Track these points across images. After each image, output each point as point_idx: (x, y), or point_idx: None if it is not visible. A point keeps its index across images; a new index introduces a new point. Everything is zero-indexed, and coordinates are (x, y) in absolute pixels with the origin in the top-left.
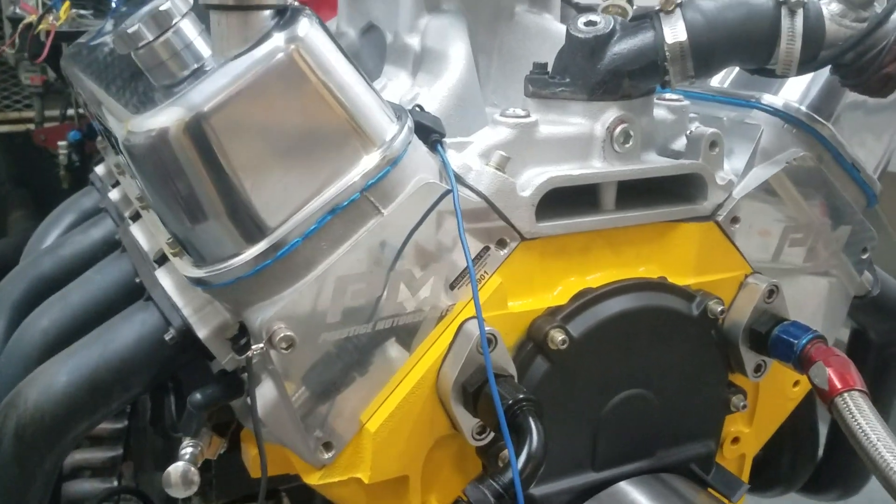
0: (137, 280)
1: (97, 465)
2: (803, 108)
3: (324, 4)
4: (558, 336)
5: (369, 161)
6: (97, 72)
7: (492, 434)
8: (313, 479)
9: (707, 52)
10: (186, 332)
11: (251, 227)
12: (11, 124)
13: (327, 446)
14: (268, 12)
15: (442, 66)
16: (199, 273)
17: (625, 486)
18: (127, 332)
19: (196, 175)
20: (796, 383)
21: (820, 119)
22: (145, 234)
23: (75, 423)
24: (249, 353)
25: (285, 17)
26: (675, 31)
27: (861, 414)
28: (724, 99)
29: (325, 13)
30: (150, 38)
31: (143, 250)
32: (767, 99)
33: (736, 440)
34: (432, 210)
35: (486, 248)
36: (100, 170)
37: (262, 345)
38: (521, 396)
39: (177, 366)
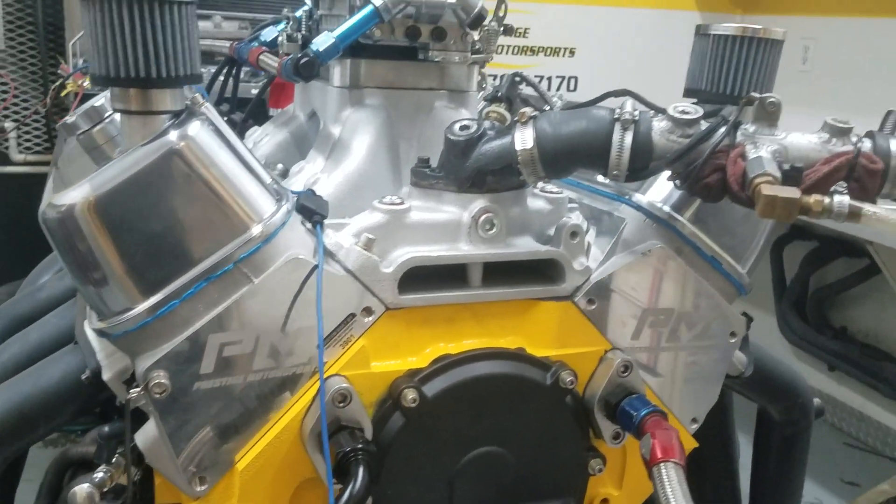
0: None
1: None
2: (665, 208)
3: (286, 94)
4: (410, 395)
5: (245, 237)
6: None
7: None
8: None
9: (552, 158)
10: (99, 374)
11: (138, 289)
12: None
13: (202, 480)
14: (166, 115)
15: (344, 155)
16: (99, 325)
17: None
18: (54, 370)
19: (92, 245)
20: None
21: (679, 217)
22: None
23: (4, 445)
24: (128, 397)
25: (181, 118)
26: (524, 139)
27: (669, 483)
28: (603, 192)
29: (286, 101)
30: (86, 127)
31: (81, 307)
32: (636, 197)
33: (605, 501)
34: (305, 282)
35: (353, 315)
36: None
37: (139, 389)
38: (351, 448)
39: (95, 402)
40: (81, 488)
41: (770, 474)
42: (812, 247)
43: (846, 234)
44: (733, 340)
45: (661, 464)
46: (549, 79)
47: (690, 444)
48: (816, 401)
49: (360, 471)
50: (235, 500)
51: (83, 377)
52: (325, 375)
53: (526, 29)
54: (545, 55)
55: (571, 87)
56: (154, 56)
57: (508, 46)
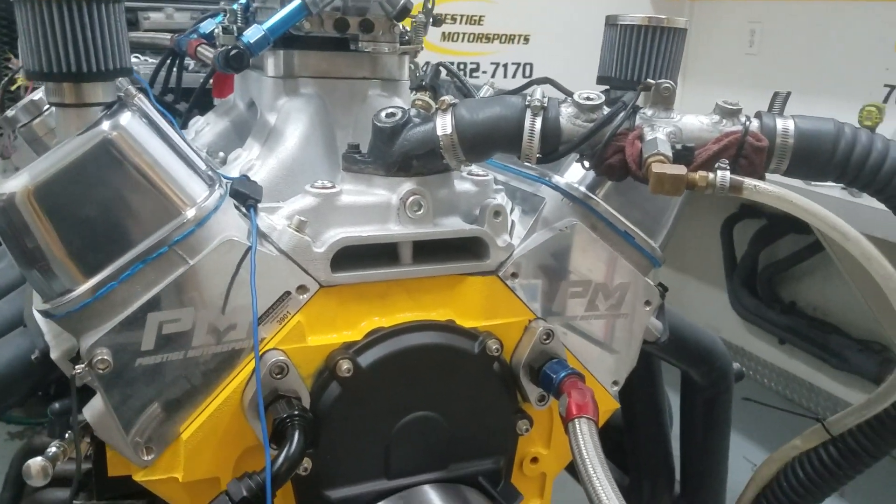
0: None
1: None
2: (580, 188)
3: (229, 84)
4: (345, 365)
5: (179, 221)
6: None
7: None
8: (138, 476)
9: (471, 142)
10: (47, 354)
11: (78, 272)
12: None
13: (148, 450)
14: (98, 107)
15: (278, 142)
16: (44, 307)
17: (415, 489)
18: (5, 351)
19: (32, 231)
20: None
21: (593, 196)
22: None
23: None
24: (73, 373)
25: (113, 109)
26: (444, 125)
27: (582, 436)
28: (525, 174)
29: (229, 90)
30: (25, 120)
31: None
32: (555, 178)
33: (535, 460)
34: (241, 263)
35: (288, 293)
36: None
37: (83, 365)
38: (287, 414)
39: (45, 381)
40: (35, 461)
41: (696, 436)
42: (761, 225)
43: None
44: (648, 308)
45: (576, 419)
46: (505, 66)
47: (612, 405)
48: (736, 365)
49: (296, 434)
50: (181, 468)
51: (33, 357)
52: (263, 350)
53: (481, 17)
54: (500, 42)
55: (527, 73)
56: (84, 51)
57: (464, 34)
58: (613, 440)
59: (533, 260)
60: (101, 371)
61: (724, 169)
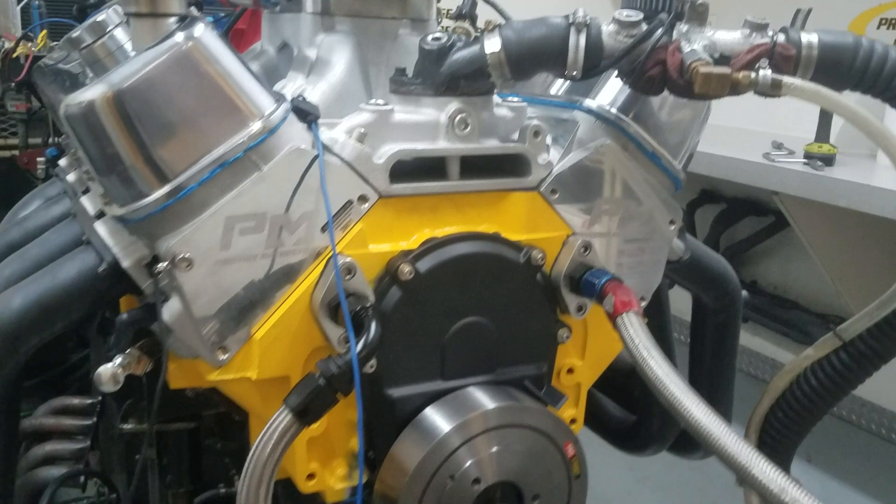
0: (84, 238)
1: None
2: (612, 110)
3: (253, 30)
4: (406, 268)
5: (252, 129)
6: (56, 81)
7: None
8: (212, 377)
9: (517, 60)
10: (115, 265)
11: (158, 175)
12: None
13: (223, 350)
14: (173, 19)
15: (326, 69)
16: (121, 212)
17: (468, 389)
18: (69, 267)
19: (114, 135)
20: None
21: (624, 118)
22: (91, 202)
23: (27, 336)
24: (157, 269)
25: (186, 22)
26: (493, 45)
27: (632, 326)
28: (556, 102)
29: (253, 37)
30: (89, 41)
31: (87, 213)
32: (586, 102)
33: (571, 371)
34: (307, 171)
35: (350, 202)
36: (62, 162)
37: (167, 263)
38: (361, 306)
39: (110, 297)
40: (105, 368)
41: (706, 361)
42: (721, 209)
43: (753, 194)
44: (672, 227)
45: (623, 314)
46: None
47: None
48: (744, 293)
49: (373, 323)
50: (254, 367)
51: (100, 270)
52: (328, 256)
53: None
54: None
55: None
56: None
57: None
58: (618, 383)
59: (570, 178)
60: (183, 270)
61: (765, 69)
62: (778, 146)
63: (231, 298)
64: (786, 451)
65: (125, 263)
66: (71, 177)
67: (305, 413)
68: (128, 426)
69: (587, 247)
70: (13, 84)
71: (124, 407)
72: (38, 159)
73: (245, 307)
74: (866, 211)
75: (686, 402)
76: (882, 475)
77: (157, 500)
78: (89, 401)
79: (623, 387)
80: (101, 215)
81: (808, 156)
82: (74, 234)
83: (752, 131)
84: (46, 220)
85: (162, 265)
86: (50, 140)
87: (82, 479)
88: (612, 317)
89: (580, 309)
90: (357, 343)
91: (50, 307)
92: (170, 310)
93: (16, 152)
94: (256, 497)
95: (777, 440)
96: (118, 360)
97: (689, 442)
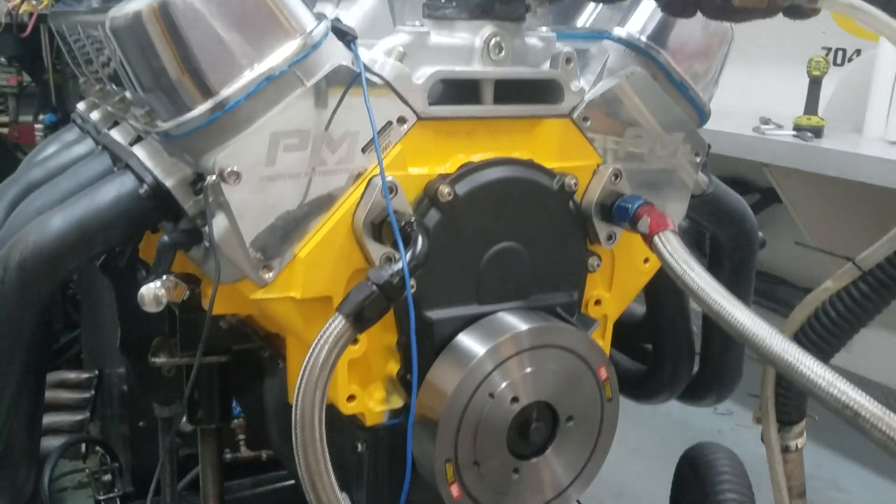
0: (115, 169)
1: (65, 428)
2: (642, 38)
3: None
4: (445, 190)
5: (295, 44)
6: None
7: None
8: (257, 295)
9: None
10: (156, 187)
11: (203, 89)
12: None
13: (268, 268)
14: None
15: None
16: (166, 126)
17: (503, 312)
18: (108, 190)
19: (160, 47)
20: (646, 260)
21: (654, 46)
22: (122, 133)
23: (66, 260)
24: (206, 182)
25: None
26: None
27: (669, 244)
28: (584, 34)
29: None
30: None
31: (120, 143)
32: (616, 31)
33: (598, 302)
34: (347, 89)
35: (390, 123)
36: (81, 106)
37: (214, 177)
38: (406, 221)
39: (149, 221)
40: (148, 288)
41: None
42: None
43: (739, 173)
44: (698, 160)
45: (659, 233)
46: None
47: None
48: (760, 234)
49: (420, 236)
50: (299, 286)
51: (141, 192)
52: (370, 175)
53: None
54: None
55: None
56: None
57: None
58: (628, 336)
59: (601, 106)
60: (231, 184)
61: None
62: (766, 121)
63: (276, 217)
64: None
65: (169, 183)
66: (94, 115)
67: (359, 318)
68: (159, 360)
69: (617, 175)
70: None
71: (154, 342)
72: (37, 126)
73: (289, 226)
74: (856, 178)
75: (731, 308)
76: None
77: (167, 462)
78: (86, 375)
79: (633, 338)
80: (137, 141)
81: (798, 128)
82: (105, 166)
83: (737, 107)
84: (69, 160)
85: (211, 178)
86: (39, 117)
87: (83, 449)
88: (649, 237)
89: (610, 238)
90: (408, 253)
91: (89, 230)
92: (216, 227)
93: (4, 130)
94: (312, 404)
95: None
96: (159, 282)
97: (699, 389)
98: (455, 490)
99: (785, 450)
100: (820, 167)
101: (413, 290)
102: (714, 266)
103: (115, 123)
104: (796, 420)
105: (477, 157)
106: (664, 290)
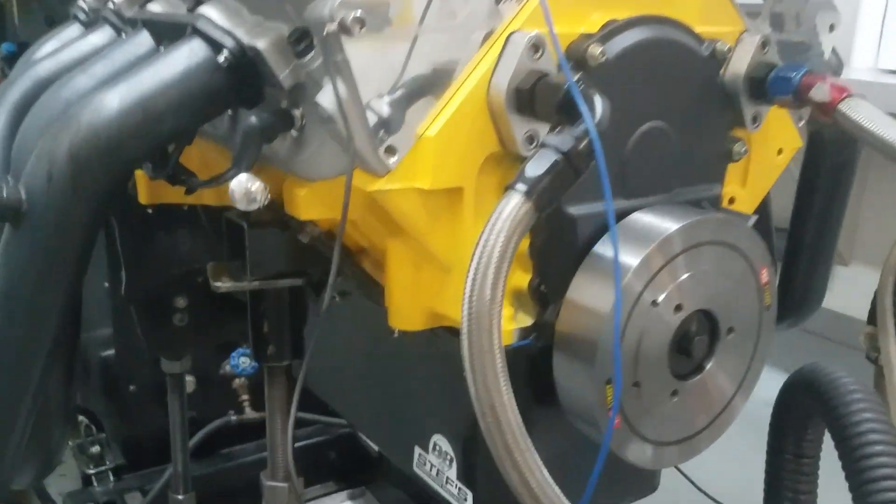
0: (161, 48)
1: None
2: None
3: None
4: (597, 51)
5: None
6: None
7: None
8: (377, 186)
9: None
10: (240, 53)
11: None
12: None
13: (391, 150)
14: None
15: None
16: None
17: (656, 206)
18: (174, 62)
19: None
20: (780, 151)
21: None
22: (165, 5)
23: (129, 147)
24: (326, 30)
25: None
26: None
27: (860, 110)
28: None
29: None
30: None
31: (170, 13)
32: None
33: (732, 200)
34: None
35: None
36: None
37: (334, 25)
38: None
39: (226, 99)
40: (238, 181)
41: (815, 205)
42: None
43: None
44: (831, 33)
45: (845, 99)
46: None
47: (799, 142)
48: None
49: (597, 95)
50: (428, 174)
51: (220, 60)
52: (506, 32)
53: None
54: None
55: None
56: None
57: None
58: None
59: None
60: (356, 31)
61: None
62: None
63: (401, 83)
64: None
65: (261, 45)
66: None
67: (542, 196)
68: (224, 284)
69: (766, 43)
70: None
71: (210, 267)
72: None
73: (413, 94)
74: None
75: None
76: None
77: (179, 425)
78: None
79: None
80: (196, 6)
81: None
82: (147, 46)
83: None
84: (86, 51)
85: (330, 26)
86: None
87: None
88: (831, 106)
89: (755, 120)
90: (593, 113)
91: (156, 110)
92: (328, 97)
93: None
94: (489, 307)
95: None
96: (247, 175)
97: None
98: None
99: None
100: None
101: None
102: (810, 166)
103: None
104: None
105: (619, 15)
106: None
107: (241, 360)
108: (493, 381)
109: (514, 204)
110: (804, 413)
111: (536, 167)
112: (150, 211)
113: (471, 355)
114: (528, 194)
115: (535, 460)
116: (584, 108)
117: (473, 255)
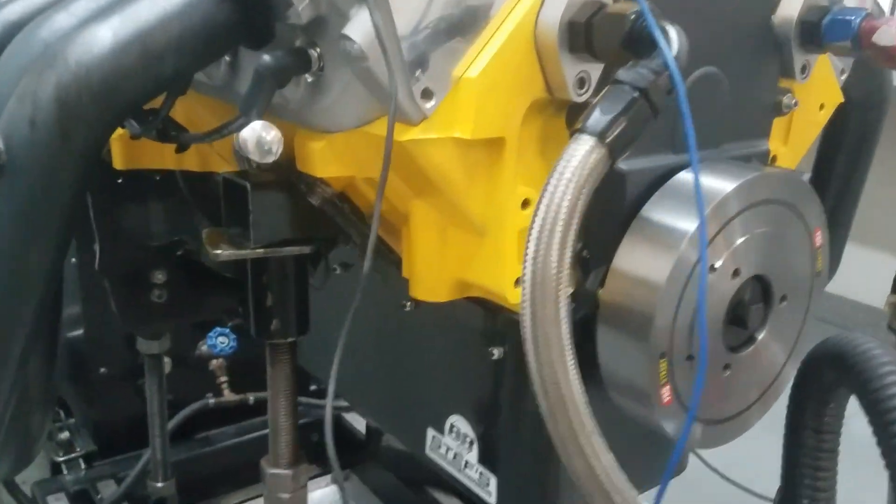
0: None
1: None
2: None
3: None
4: None
5: None
6: None
7: (591, 90)
8: (411, 135)
9: None
10: None
11: None
12: None
13: (427, 94)
14: None
15: None
16: None
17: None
18: None
19: None
20: (822, 106)
21: None
22: None
23: (125, 89)
24: None
25: None
26: None
27: None
28: None
29: None
30: None
31: None
32: None
33: (774, 159)
34: None
35: None
36: None
37: None
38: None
39: (232, 35)
40: (250, 131)
41: (838, 164)
42: None
43: None
44: None
45: None
46: None
47: (840, 97)
48: None
49: (674, 28)
50: (469, 121)
51: None
52: None
53: None
54: None
55: None
56: None
57: None
58: None
59: None
60: None
61: None
62: None
63: (438, 17)
64: None
65: None
66: None
67: (617, 139)
68: (224, 251)
69: None
70: None
71: (205, 234)
72: None
73: (448, 31)
74: None
75: None
76: None
77: (157, 407)
78: None
79: None
80: None
81: None
82: None
83: None
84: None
85: None
86: None
87: None
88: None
89: (804, 70)
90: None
91: (155, 46)
92: (360, 30)
93: None
94: (560, 262)
95: None
96: (262, 122)
97: None
98: (666, 393)
99: None
100: None
101: None
102: (837, 123)
103: None
104: None
105: None
106: None
107: (220, 340)
108: (557, 356)
109: (586, 149)
110: (827, 386)
111: (610, 107)
112: (119, 181)
113: (533, 325)
114: (600, 137)
115: (601, 444)
116: (660, 39)
117: (537, 209)
